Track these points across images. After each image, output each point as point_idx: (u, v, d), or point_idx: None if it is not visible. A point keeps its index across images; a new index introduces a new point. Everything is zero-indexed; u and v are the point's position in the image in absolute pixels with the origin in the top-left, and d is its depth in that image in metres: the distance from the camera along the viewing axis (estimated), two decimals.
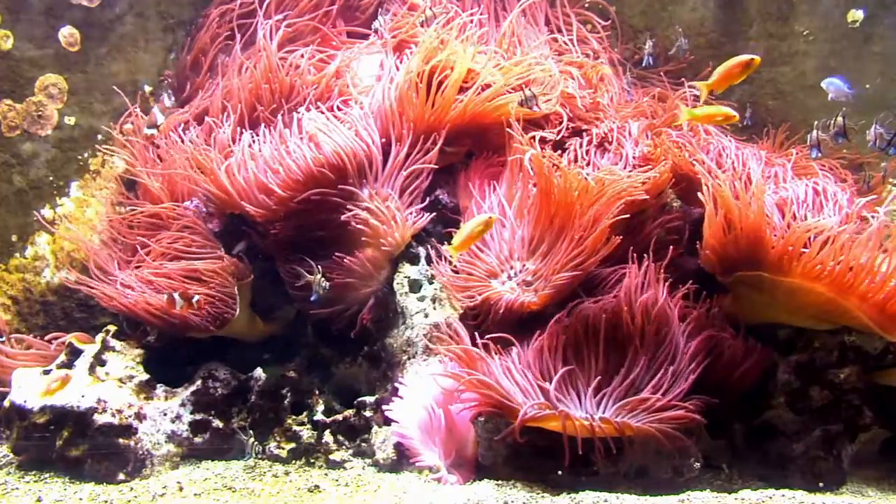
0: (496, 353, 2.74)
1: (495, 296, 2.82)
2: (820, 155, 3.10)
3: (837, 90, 3.20)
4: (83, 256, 3.30)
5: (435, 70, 3.13)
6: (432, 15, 3.23)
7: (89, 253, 3.26)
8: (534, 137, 3.04)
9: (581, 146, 3.12)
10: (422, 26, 3.27)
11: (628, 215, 2.83)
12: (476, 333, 2.76)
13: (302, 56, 3.37)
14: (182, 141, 3.24)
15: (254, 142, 3.19)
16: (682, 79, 3.57)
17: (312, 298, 2.99)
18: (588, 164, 3.06)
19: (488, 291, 2.84)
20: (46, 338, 3.25)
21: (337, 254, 3.10)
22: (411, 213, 3.09)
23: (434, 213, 3.15)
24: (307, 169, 3.04)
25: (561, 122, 3.21)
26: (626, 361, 2.75)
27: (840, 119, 2.98)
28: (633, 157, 3.07)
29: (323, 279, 2.98)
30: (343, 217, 3.07)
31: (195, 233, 3.21)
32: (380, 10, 3.50)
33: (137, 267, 3.19)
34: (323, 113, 3.21)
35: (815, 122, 3.14)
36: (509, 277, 2.91)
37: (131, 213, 3.32)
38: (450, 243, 3.04)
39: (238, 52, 3.46)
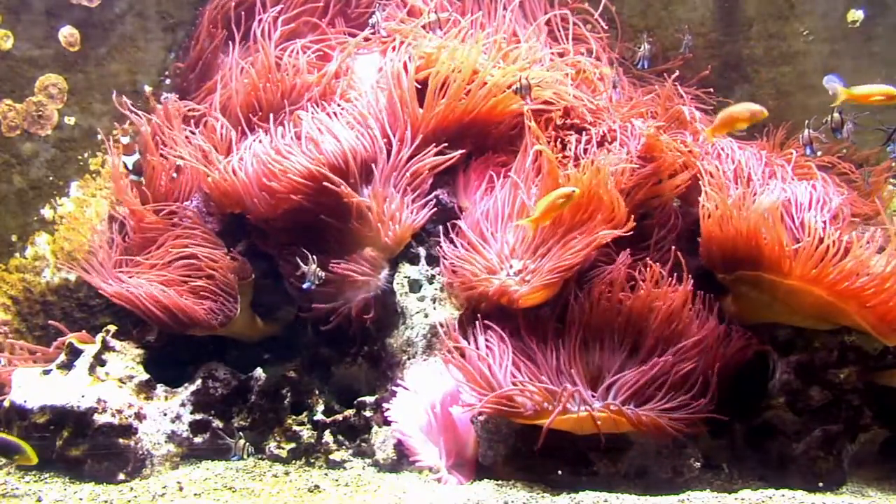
0: (494, 351, 2.74)
1: (489, 285, 2.81)
2: (817, 153, 3.11)
3: (834, 88, 3.22)
4: (84, 256, 3.29)
5: (438, 71, 3.14)
6: (436, 19, 3.22)
7: (91, 249, 3.27)
8: (551, 137, 3.04)
9: (580, 143, 3.11)
10: (424, 29, 3.27)
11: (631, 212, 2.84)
12: (476, 333, 2.77)
13: (300, 53, 3.37)
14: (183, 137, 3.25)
15: (255, 141, 3.20)
16: (682, 76, 3.58)
17: (304, 286, 2.98)
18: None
19: (483, 283, 2.83)
20: (51, 323, 3.27)
21: (337, 253, 3.10)
22: (411, 213, 3.09)
23: (434, 213, 3.15)
24: (308, 168, 3.04)
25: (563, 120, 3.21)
26: (628, 355, 2.75)
27: (837, 115, 2.99)
28: (636, 156, 3.06)
29: (319, 269, 2.97)
30: (343, 211, 3.07)
31: (198, 231, 3.21)
32: (376, 7, 3.48)
33: (138, 264, 3.19)
34: (326, 112, 3.21)
35: (806, 122, 3.14)
36: (508, 276, 2.91)
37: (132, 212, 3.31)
38: (447, 242, 3.04)
39: (236, 52, 3.46)
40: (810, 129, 3.05)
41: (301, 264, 2.99)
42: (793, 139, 3.41)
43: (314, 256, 2.98)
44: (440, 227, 3.14)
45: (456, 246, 2.99)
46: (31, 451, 2.68)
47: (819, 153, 3.26)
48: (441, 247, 3.03)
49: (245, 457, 2.93)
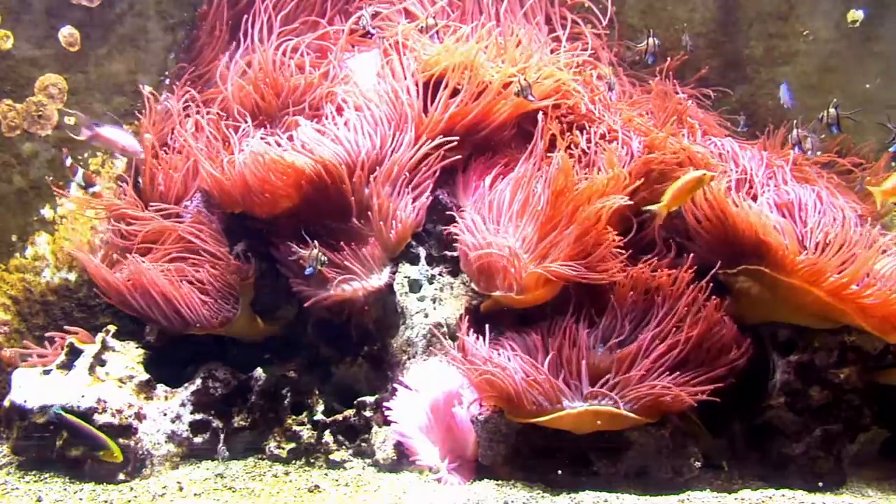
0: (497, 348, 2.74)
1: (497, 257, 2.81)
2: (818, 153, 3.11)
3: (783, 97, 3.28)
4: (83, 254, 3.29)
5: (442, 74, 3.16)
6: (434, 24, 3.23)
7: (91, 248, 3.27)
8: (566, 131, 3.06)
9: (581, 143, 3.11)
10: (421, 33, 3.28)
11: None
12: (477, 330, 2.77)
13: (299, 53, 3.37)
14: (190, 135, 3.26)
15: (255, 140, 3.19)
16: (682, 76, 3.58)
17: (307, 271, 2.97)
18: (590, 164, 3.06)
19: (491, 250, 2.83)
20: (48, 334, 3.25)
21: (338, 251, 3.10)
22: (413, 213, 3.09)
23: (434, 214, 3.16)
24: (310, 166, 3.04)
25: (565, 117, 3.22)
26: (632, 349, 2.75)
27: (833, 110, 2.99)
28: (638, 154, 3.06)
29: (321, 254, 2.96)
30: (345, 210, 3.07)
31: (200, 230, 3.21)
32: (365, 6, 3.48)
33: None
34: (328, 112, 3.21)
35: (794, 121, 3.13)
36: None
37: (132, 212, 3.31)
38: (451, 239, 3.04)
39: (237, 53, 3.46)
40: (798, 128, 3.05)
41: (298, 251, 2.98)
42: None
43: (316, 241, 2.97)
44: (440, 227, 3.14)
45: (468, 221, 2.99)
46: (116, 449, 2.75)
47: (819, 153, 3.26)
48: (457, 221, 3.01)
49: (223, 460, 2.89)
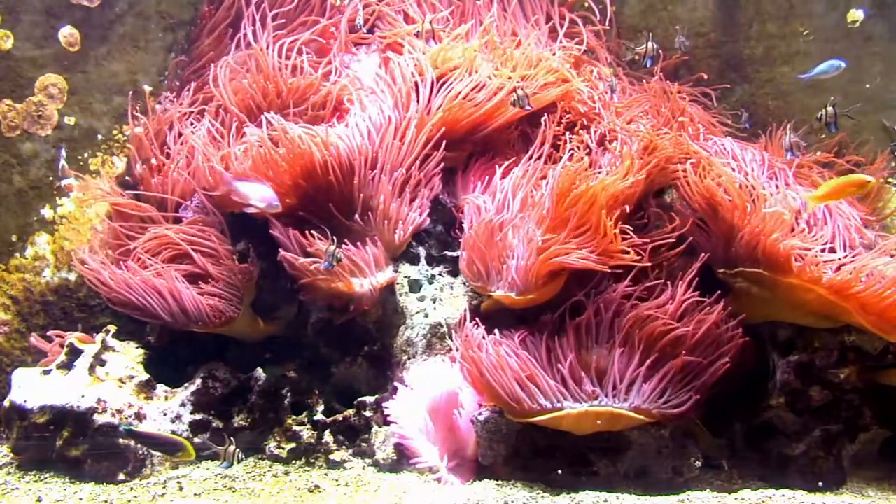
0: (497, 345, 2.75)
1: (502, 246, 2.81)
2: (798, 156, 3.11)
3: (832, 69, 3.21)
4: (83, 254, 3.29)
5: (443, 75, 3.18)
6: (430, 28, 3.23)
7: (91, 248, 3.27)
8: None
9: (580, 144, 3.11)
10: (417, 37, 3.28)
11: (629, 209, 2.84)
12: (478, 327, 2.78)
13: (296, 49, 3.37)
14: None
15: (254, 139, 3.20)
16: (681, 76, 3.58)
17: (323, 266, 2.95)
18: (591, 165, 3.06)
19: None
20: (49, 333, 3.25)
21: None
22: (412, 213, 3.09)
23: (434, 214, 3.16)
24: (312, 165, 3.04)
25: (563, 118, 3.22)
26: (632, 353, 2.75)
27: (831, 109, 2.99)
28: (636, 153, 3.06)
29: (338, 250, 2.93)
30: (347, 209, 3.07)
31: (203, 229, 3.20)
32: (359, 5, 3.49)
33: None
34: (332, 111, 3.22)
35: (788, 125, 3.13)
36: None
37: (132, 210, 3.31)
38: (454, 236, 3.03)
39: (237, 53, 3.46)
40: (791, 132, 3.05)
41: (317, 244, 2.96)
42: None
43: (334, 237, 2.95)
44: (440, 227, 3.14)
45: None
46: (191, 448, 2.71)
47: (818, 153, 3.26)
48: (466, 208, 3.03)
49: (235, 463, 2.87)
